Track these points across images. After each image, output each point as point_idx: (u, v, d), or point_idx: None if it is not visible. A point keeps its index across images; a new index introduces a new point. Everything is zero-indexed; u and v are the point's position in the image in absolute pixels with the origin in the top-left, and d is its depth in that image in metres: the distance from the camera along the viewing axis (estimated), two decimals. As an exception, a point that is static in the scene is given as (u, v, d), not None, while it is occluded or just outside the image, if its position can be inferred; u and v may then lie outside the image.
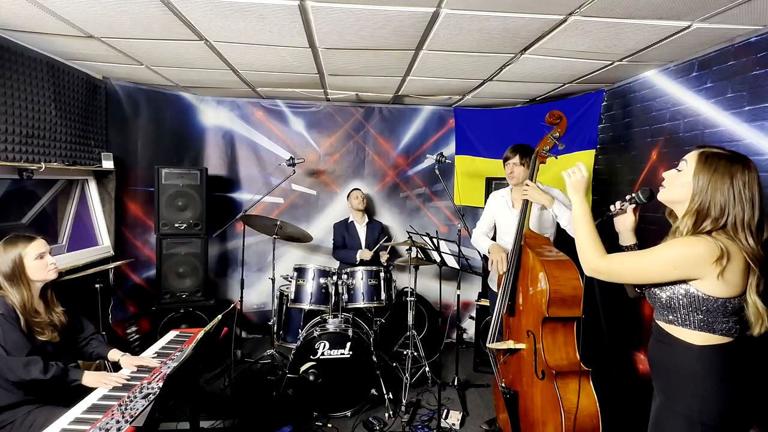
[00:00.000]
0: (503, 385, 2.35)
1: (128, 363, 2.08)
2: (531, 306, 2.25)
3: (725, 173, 1.29)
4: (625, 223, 1.59)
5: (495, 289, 2.77)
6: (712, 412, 1.29)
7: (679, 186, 1.37)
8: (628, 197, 1.55)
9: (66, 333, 2.08)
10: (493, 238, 2.88)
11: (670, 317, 1.37)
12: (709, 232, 1.29)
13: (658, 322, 1.43)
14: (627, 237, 1.60)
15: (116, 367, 2.15)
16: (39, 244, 1.95)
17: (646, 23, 2.11)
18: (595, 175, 3.63)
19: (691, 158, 1.36)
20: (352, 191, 4.14)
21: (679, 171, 1.38)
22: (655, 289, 1.40)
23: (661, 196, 1.44)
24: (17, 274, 1.89)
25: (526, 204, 2.43)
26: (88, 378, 1.92)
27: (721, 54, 2.41)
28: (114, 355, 2.16)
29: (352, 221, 4.10)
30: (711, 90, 2.47)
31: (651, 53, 2.54)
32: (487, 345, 2.39)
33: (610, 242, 1.60)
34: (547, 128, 2.50)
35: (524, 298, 2.32)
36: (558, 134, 2.46)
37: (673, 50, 2.49)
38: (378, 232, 4.09)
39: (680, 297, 1.32)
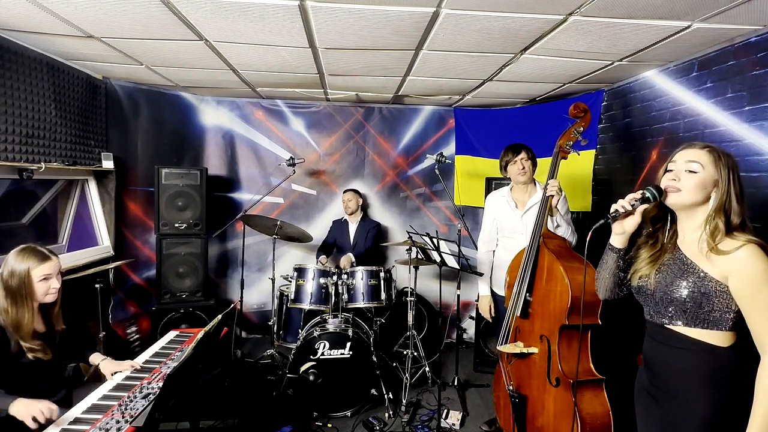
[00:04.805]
0: (511, 388, 2.28)
1: (107, 369, 2.02)
2: (547, 310, 2.15)
3: (734, 170, 1.32)
4: (631, 224, 1.45)
5: (499, 293, 2.75)
6: (735, 414, 1.27)
7: (701, 188, 1.32)
8: (638, 195, 1.39)
9: (60, 347, 1.99)
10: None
11: (693, 317, 1.32)
12: (732, 234, 1.29)
13: (673, 328, 1.38)
14: (623, 239, 1.48)
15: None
16: (49, 266, 1.83)
17: (645, 23, 2.11)
18: (595, 175, 3.63)
19: (703, 158, 1.33)
20: (343, 193, 4.16)
21: (694, 172, 1.33)
22: (672, 289, 1.35)
23: (678, 199, 1.36)
24: (23, 293, 1.78)
25: (547, 201, 2.28)
26: (16, 407, 1.62)
27: (721, 54, 2.41)
28: (95, 359, 2.09)
29: (346, 219, 4.13)
30: (711, 90, 2.47)
31: (651, 53, 2.54)
32: (498, 347, 2.32)
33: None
34: (568, 122, 2.37)
35: (540, 301, 2.22)
36: (582, 128, 2.31)
37: (673, 50, 2.49)
38: (368, 230, 4.06)
39: (711, 294, 1.30)
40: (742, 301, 1.27)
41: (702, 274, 1.32)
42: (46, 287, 1.84)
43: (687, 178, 1.34)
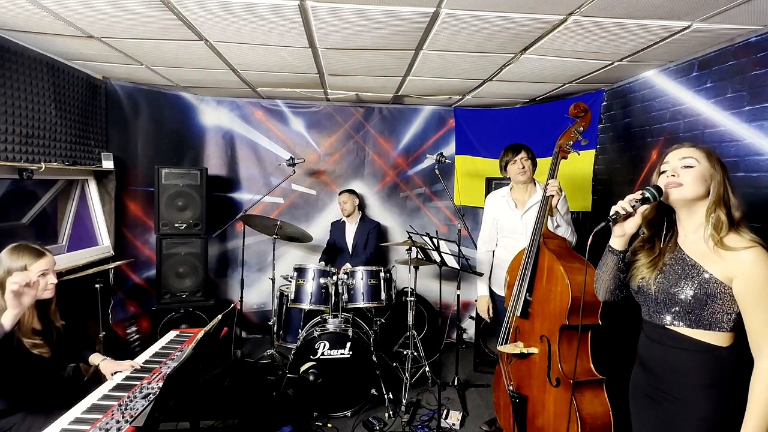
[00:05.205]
0: (511, 388, 2.28)
1: (107, 369, 2.02)
2: (548, 310, 2.15)
3: (725, 167, 1.36)
4: (631, 226, 1.43)
5: (499, 293, 2.74)
6: (736, 414, 1.27)
7: (701, 180, 1.33)
8: (638, 196, 1.36)
9: (59, 344, 1.99)
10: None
11: (695, 319, 1.32)
12: (736, 229, 1.30)
13: (674, 329, 1.37)
14: (623, 241, 1.45)
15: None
16: (46, 261, 1.85)
17: (645, 23, 2.11)
18: (595, 175, 3.63)
19: (696, 154, 1.35)
20: (338, 195, 4.15)
21: (691, 167, 1.34)
22: (676, 291, 1.34)
23: (680, 194, 1.35)
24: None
25: (547, 201, 2.28)
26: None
27: (721, 54, 2.41)
28: (95, 359, 2.09)
29: (344, 220, 4.13)
30: (711, 90, 2.47)
31: (651, 53, 2.54)
32: (498, 348, 2.32)
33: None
34: (568, 121, 2.37)
35: (540, 301, 2.22)
36: (582, 128, 2.32)
37: (673, 50, 2.49)
38: (368, 231, 4.05)
39: (715, 296, 1.29)
40: (744, 304, 1.27)
41: (707, 275, 1.31)
42: (44, 283, 1.85)
43: (685, 173, 1.35)
